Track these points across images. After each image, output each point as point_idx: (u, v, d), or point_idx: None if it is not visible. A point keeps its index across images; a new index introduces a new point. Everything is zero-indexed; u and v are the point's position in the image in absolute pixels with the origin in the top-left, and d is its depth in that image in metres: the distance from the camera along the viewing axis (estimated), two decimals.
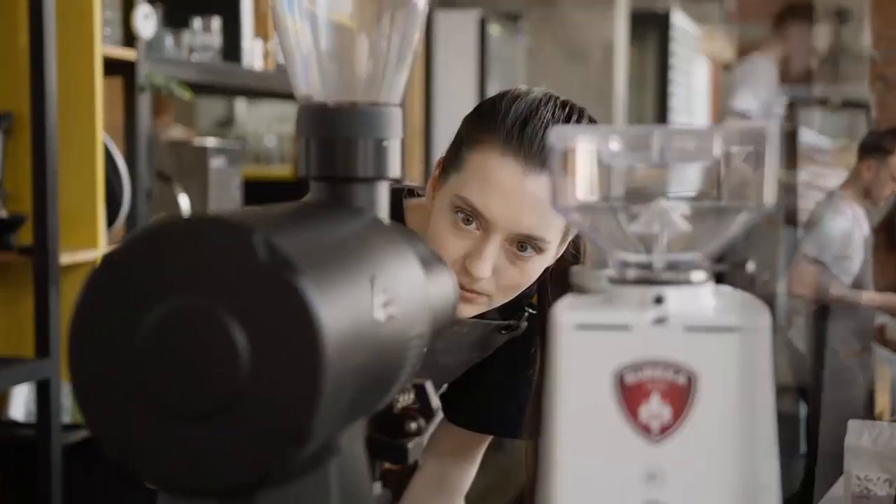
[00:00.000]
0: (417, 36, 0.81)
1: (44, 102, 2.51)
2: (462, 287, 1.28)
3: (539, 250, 1.29)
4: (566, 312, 0.68)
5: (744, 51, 9.06)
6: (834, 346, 4.37)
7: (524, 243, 1.28)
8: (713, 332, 0.66)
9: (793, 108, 4.72)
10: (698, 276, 0.69)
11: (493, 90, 4.83)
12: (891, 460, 1.83)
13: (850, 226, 4.62)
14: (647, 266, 0.70)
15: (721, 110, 4.85)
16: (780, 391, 5.44)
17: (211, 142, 3.49)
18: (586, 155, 0.70)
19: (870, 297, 4.75)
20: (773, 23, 4.78)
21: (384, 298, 0.69)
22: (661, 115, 7.53)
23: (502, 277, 1.30)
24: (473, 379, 1.51)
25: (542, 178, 1.25)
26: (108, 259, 0.62)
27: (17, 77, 2.59)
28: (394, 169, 0.79)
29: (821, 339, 3.70)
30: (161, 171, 3.14)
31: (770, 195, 0.69)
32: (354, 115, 0.77)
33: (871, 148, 4.64)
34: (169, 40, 3.17)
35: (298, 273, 0.60)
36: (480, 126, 1.30)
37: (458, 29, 5.18)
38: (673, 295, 0.68)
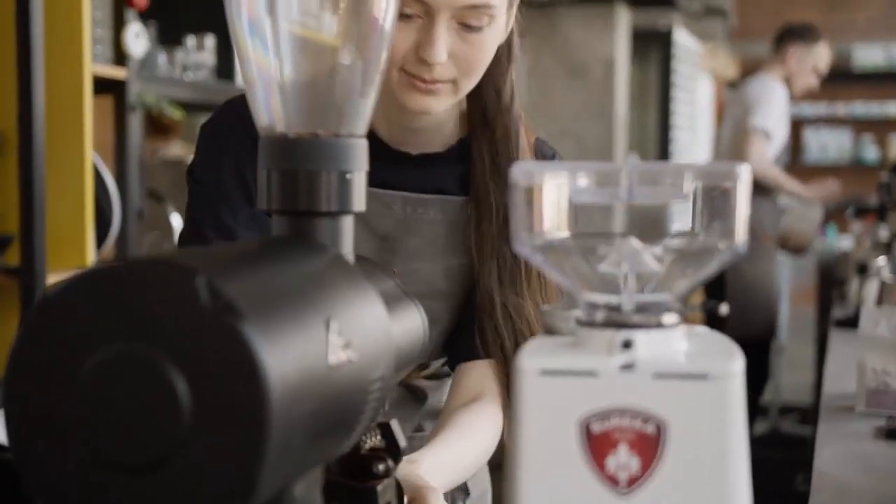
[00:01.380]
0: (383, 61, 0.78)
1: (32, 121, 2.48)
2: (423, 80, 1.26)
3: (489, 19, 1.26)
4: (530, 357, 0.65)
5: (746, 68, 9.06)
6: (757, 228, 4.45)
7: (470, 23, 1.25)
8: (683, 379, 0.63)
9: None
10: (670, 318, 0.66)
11: None
12: None
13: (785, 103, 4.65)
14: (617, 308, 0.67)
15: (733, 126, 4.74)
16: (785, 411, 5.40)
17: None
18: (552, 191, 0.67)
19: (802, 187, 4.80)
20: (774, 43, 4.76)
21: (341, 341, 0.66)
22: (664, 132, 7.50)
23: (460, 58, 1.27)
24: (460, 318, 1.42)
25: None
26: (45, 301, 0.59)
27: (5, 95, 2.56)
28: (358, 203, 0.76)
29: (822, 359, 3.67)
30: (153, 191, 3.11)
31: (742, 235, 0.65)
32: (317, 147, 0.74)
33: (796, 35, 4.67)
34: (162, 58, 3.14)
35: (242, 317, 0.57)
36: None
37: None
38: (642, 339, 0.65)
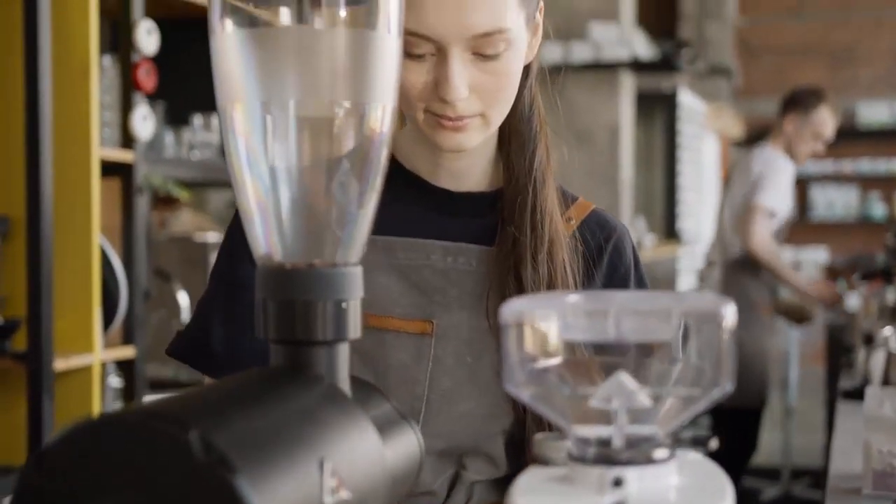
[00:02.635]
0: (378, 183, 0.79)
1: (39, 205, 2.50)
2: (448, 118, 1.21)
3: (506, 44, 1.19)
4: (522, 497, 0.66)
5: (752, 126, 9.10)
6: (753, 297, 4.46)
7: (486, 52, 1.18)
8: None
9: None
10: (661, 453, 0.67)
11: None
12: None
13: (791, 178, 4.68)
14: (607, 442, 0.68)
15: (742, 200, 4.65)
16: (798, 475, 5.36)
17: (212, 237, 3.49)
18: (541, 328, 0.68)
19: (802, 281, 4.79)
20: (779, 111, 4.76)
21: (335, 481, 0.66)
22: (670, 194, 7.53)
23: (483, 90, 1.20)
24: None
25: None
26: (41, 455, 0.60)
27: (13, 180, 2.59)
28: (354, 330, 0.77)
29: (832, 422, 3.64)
30: (160, 269, 3.13)
31: (728, 375, 0.66)
32: (313, 278, 0.75)
33: (794, 104, 4.70)
34: (169, 138, 3.17)
35: (235, 471, 0.58)
36: None
37: None
38: (633, 476, 0.65)
